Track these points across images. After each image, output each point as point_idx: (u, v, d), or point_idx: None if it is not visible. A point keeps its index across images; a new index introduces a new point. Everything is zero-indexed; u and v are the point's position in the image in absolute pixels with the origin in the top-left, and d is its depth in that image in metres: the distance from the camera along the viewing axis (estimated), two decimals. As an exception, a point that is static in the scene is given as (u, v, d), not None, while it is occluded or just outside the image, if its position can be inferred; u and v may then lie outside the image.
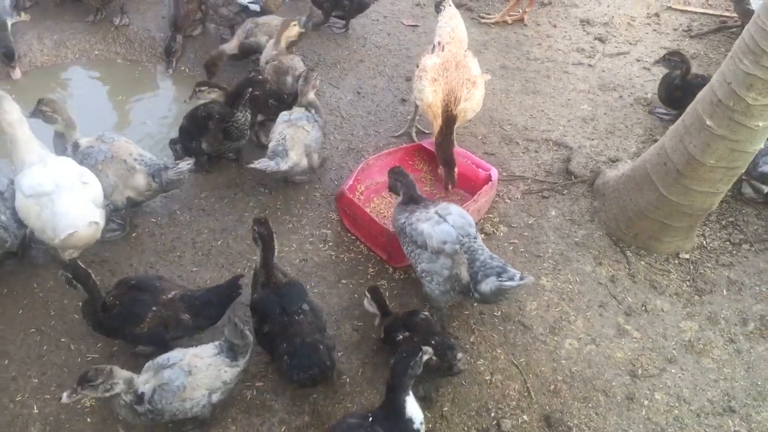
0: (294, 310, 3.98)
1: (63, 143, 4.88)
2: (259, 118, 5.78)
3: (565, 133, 6.03)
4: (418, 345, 3.62)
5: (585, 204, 5.34)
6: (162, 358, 3.71)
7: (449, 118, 5.12)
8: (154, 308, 4.00)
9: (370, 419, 3.49)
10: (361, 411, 3.74)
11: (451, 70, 5.21)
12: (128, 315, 3.99)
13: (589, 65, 6.91)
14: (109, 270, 4.72)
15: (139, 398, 3.59)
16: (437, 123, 5.19)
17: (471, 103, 5.24)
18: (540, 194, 5.44)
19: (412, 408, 3.52)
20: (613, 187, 5.16)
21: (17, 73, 6.46)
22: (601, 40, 7.30)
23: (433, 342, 3.85)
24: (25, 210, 4.40)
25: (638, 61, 7.02)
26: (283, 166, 5.05)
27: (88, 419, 3.90)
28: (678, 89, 5.97)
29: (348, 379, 4.18)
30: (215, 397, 3.72)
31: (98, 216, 4.37)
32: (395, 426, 3.49)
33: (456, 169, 5.12)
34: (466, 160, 5.31)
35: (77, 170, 4.52)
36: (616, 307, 4.65)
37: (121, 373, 3.58)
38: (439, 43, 5.44)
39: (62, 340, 4.28)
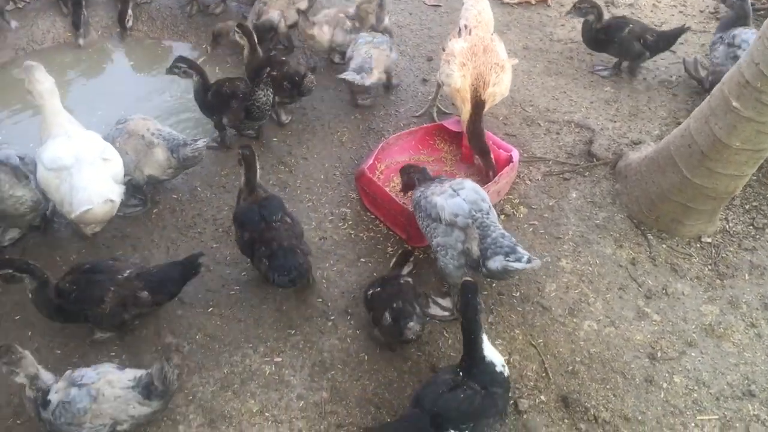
0: (272, 219, 4.26)
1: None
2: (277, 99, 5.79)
3: (587, 115, 5.98)
4: (386, 302, 3.99)
5: (606, 186, 5.30)
6: (78, 374, 3.53)
7: (478, 104, 5.09)
8: (112, 288, 3.93)
9: (461, 373, 3.54)
10: (448, 366, 3.72)
11: (479, 54, 5.16)
12: (87, 298, 3.91)
13: (613, 47, 6.82)
14: (131, 245, 4.76)
15: (45, 403, 3.44)
16: (465, 108, 5.15)
17: (500, 88, 5.21)
18: (561, 176, 5.40)
19: (490, 351, 3.59)
20: (635, 170, 5.10)
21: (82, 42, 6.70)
22: (625, 21, 7.20)
23: (394, 305, 4.00)
24: (46, 182, 4.45)
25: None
26: (367, 81, 5.56)
27: (110, 390, 3.94)
28: (600, 32, 6.30)
29: (366, 357, 4.20)
30: (119, 428, 3.50)
31: (115, 193, 4.39)
32: (480, 373, 3.53)
33: (492, 155, 5.09)
34: (487, 141, 5.27)
35: (100, 145, 4.55)
36: (636, 290, 4.62)
37: (29, 365, 3.45)
38: (465, 27, 5.38)
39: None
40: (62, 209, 4.44)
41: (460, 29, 5.43)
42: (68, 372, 3.59)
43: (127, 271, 4.03)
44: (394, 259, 4.48)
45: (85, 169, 4.32)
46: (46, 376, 3.53)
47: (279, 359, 4.16)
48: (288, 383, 4.05)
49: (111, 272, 4.01)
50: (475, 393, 3.46)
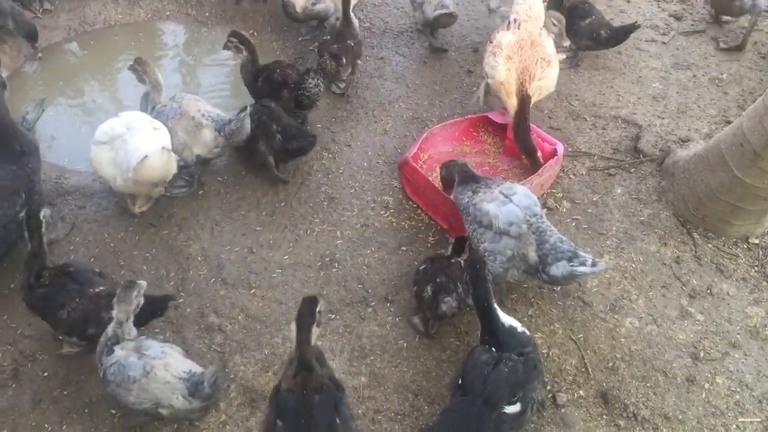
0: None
1: (146, 104, 5.02)
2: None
3: (634, 111, 5.90)
4: (431, 277, 4.07)
5: (652, 183, 5.23)
6: (147, 343, 3.60)
7: (524, 98, 5.06)
8: (77, 300, 3.83)
9: (492, 349, 3.56)
10: (477, 348, 3.67)
11: (526, 48, 5.13)
12: (50, 299, 3.84)
13: (663, 43, 6.72)
14: (176, 225, 4.84)
15: (109, 351, 3.54)
16: (511, 102, 5.13)
17: (546, 82, 5.18)
18: (606, 171, 5.34)
19: (505, 317, 3.67)
20: (683, 167, 5.03)
21: None
22: (676, 17, 7.08)
23: (437, 279, 4.06)
24: (98, 158, 4.56)
25: (714, 40, 6.78)
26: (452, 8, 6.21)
27: (154, 366, 4.02)
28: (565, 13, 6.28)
29: (405, 344, 4.22)
30: (161, 410, 3.51)
31: (169, 144, 4.48)
32: (507, 340, 3.60)
33: (539, 153, 5.06)
34: (531, 134, 5.24)
35: (148, 118, 4.66)
36: (679, 289, 4.56)
37: (124, 318, 3.54)
38: (515, 20, 5.34)
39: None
40: (115, 184, 4.56)
41: (509, 23, 5.39)
42: (143, 337, 3.69)
43: (100, 288, 3.90)
44: (450, 247, 4.47)
45: (138, 134, 4.45)
46: (131, 329, 3.61)
47: (319, 343, 4.18)
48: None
49: (85, 284, 3.89)
50: (515, 362, 3.50)
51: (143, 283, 3.59)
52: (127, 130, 4.47)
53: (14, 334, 4.14)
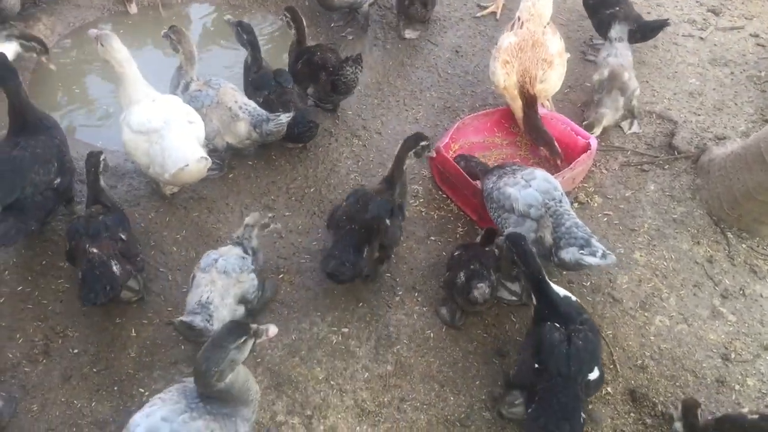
0: (287, 85, 5.17)
1: (179, 78, 5.03)
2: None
3: (669, 107, 5.81)
4: (464, 263, 4.09)
5: (686, 180, 5.15)
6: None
7: (529, 100, 5.01)
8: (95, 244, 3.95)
9: (557, 324, 3.59)
10: (545, 327, 3.61)
11: (527, 49, 5.07)
12: (74, 231, 4.03)
13: (700, 38, 6.59)
14: (206, 208, 4.86)
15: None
16: (517, 105, 5.10)
17: (547, 85, 5.13)
18: (639, 167, 5.27)
19: (558, 288, 3.75)
20: (719, 165, 4.95)
21: (134, 8, 6.69)
22: (714, 12, 6.94)
23: (471, 266, 4.06)
24: (133, 145, 4.55)
25: (753, 36, 6.64)
26: None
27: (182, 347, 4.06)
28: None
29: (432, 334, 4.21)
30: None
31: (206, 153, 4.47)
32: (567, 310, 3.65)
33: (556, 142, 5.00)
34: (565, 127, 5.18)
35: (184, 109, 4.64)
36: (712, 289, 4.50)
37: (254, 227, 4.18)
38: (519, 19, 5.26)
39: (161, 270, 4.45)
40: (149, 171, 4.55)
41: (513, 22, 5.32)
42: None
43: (118, 243, 4.04)
44: (479, 237, 4.47)
45: (174, 131, 4.43)
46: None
47: (346, 330, 4.20)
48: (354, 354, 4.09)
49: (105, 232, 4.03)
50: (584, 331, 3.57)
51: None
52: (164, 125, 4.45)
53: (45, 311, 4.19)
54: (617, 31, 5.61)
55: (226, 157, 5.08)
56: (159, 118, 4.49)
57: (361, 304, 4.34)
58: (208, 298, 3.82)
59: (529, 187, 4.15)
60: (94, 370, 3.93)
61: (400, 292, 4.41)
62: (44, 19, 6.47)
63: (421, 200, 5.01)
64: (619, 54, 5.49)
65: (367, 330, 4.21)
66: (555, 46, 5.14)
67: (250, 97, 5.08)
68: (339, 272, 4.05)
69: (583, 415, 3.42)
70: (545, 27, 5.18)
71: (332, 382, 3.94)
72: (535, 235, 4.07)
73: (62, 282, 4.33)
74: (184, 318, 3.72)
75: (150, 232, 4.67)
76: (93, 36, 4.59)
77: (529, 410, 3.53)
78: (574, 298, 3.79)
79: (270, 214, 4.35)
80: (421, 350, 4.13)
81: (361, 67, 5.31)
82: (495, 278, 4.09)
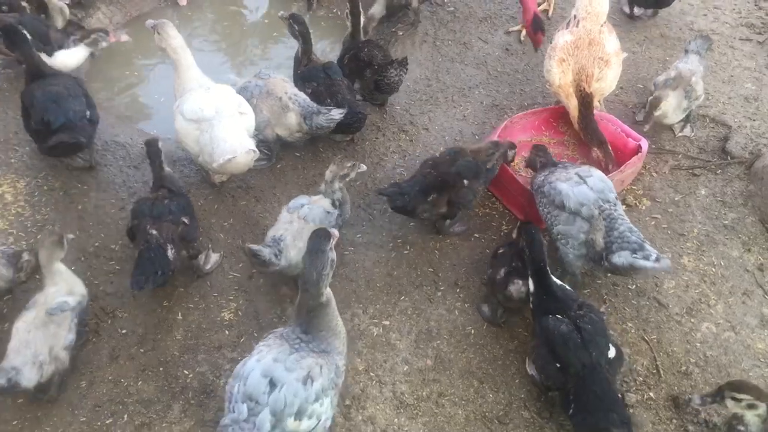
0: (336, 77, 5.22)
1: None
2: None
3: (723, 111, 5.68)
4: (508, 259, 4.13)
5: (739, 186, 5.04)
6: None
7: (585, 98, 4.96)
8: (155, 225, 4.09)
9: (558, 316, 3.67)
10: (551, 318, 3.71)
11: (583, 48, 5.02)
12: (138, 211, 4.20)
13: (758, 42, 6.43)
14: (254, 197, 4.93)
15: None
16: (572, 103, 5.05)
17: (603, 83, 5.06)
18: (690, 171, 5.18)
19: (554, 278, 3.87)
20: (774, 172, 4.83)
21: (183, 0, 6.80)
22: (774, 16, 6.77)
23: (513, 264, 4.09)
24: (184, 133, 4.64)
25: (814, 42, 6.46)
26: None
27: (226, 332, 4.13)
28: None
29: (472, 331, 4.21)
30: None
31: (254, 145, 4.54)
32: (564, 297, 3.76)
33: (609, 146, 4.94)
34: (616, 128, 5.11)
35: (236, 99, 4.71)
36: (761, 297, 4.40)
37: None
38: (575, 17, 5.19)
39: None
40: (198, 159, 4.65)
41: (569, 20, 5.26)
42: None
43: (180, 226, 4.19)
44: (515, 232, 4.45)
45: (225, 121, 4.50)
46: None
47: (387, 322, 4.23)
48: (394, 347, 4.11)
49: (167, 215, 4.18)
50: (587, 314, 3.67)
51: None
52: (215, 114, 4.53)
53: (96, 291, 4.30)
54: (696, 45, 5.51)
55: (275, 149, 5.15)
56: (211, 107, 4.57)
57: (402, 297, 4.36)
58: (282, 235, 4.09)
59: (582, 185, 4.09)
60: (141, 350, 4.03)
61: (442, 288, 4.42)
62: (103, 8, 6.64)
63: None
64: (690, 62, 5.37)
65: (408, 323, 4.23)
66: (612, 44, 5.09)
67: (299, 89, 5.13)
68: (393, 197, 4.38)
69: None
70: (602, 26, 5.12)
71: (372, 374, 3.97)
72: (586, 236, 4.03)
73: (113, 264, 4.45)
74: (253, 246, 3.95)
75: (199, 218, 4.75)
76: (150, 26, 4.69)
77: (570, 412, 3.52)
78: (569, 288, 3.90)
79: (348, 163, 4.42)
80: (461, 346, 4.13)
81: (406, 70, 5.34)
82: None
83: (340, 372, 3.31)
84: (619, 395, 3.49)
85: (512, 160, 4.76)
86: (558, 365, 3.58)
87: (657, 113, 5.07)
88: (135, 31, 6.55)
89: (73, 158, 5.01)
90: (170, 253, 4.02)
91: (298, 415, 3.05)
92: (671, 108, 5.14)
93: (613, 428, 3.39)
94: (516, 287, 4.01)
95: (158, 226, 4.09)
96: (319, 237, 3.20)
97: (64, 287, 3.89)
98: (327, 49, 6.53)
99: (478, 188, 4.55)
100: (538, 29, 5.62)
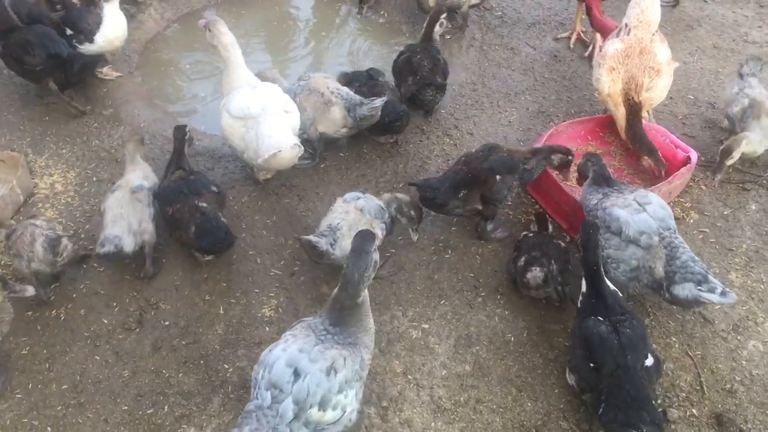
0: (378, 78, 5.35)
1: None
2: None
3: (776, 125, 5.55)
4: (530, 247, 4.23)
5: (791, 202, 4.93)
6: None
7: (633, 107, 4.90)
8: (180, 203, 4.32)
9: (601, 318, 3.65)
10: (592, 320, 3.70)
11: (633, 56, 4.96)
12: (163, 195, 4.45)
13: (815, 55, 6.29)
14: (297, 195, 4.96)
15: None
16: (620, 112, 4.99)
17: (654, 93, 4.99)
18: (740, 185, 5.07)
19: (608, 282, 3.81)
20: (828, 189, 4.70)
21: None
22: (832, 29, 6.61)
23: (533, 252, 4.18)
24: (230, 130, 4.69)
25: None
26: None
27: (267, 328, 4.17)
28: None
29: (512, 338, 4.17)
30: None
31: (299, 141, 4.57)
32: (614, 303, 3.71)
33: (660, 152, 4.87)
34: (664, 139, 5.03)
35: (282, 98, 4.75)
36: (811, 317, 4.29)
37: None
38: (626, 25, 5.14)
39: (250, 252, 4.58)
40: (244, 156, 4.69)
41: (620, 28, 5.19)
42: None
43: (203, 204, 4.35)
44: (533, 224, 4.61)
45: (270, 119, 4.53)
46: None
47: (426, 326, 4.22)
48: (432, 350, 4.10)
49: (193, 193, 4.38)
50: (629, 320, 3.63)
51: None
52: (261, 112, 4.57)
53: (141, 283, 4.37)
54: (751, 67, 5.38)
55: (318, 148, 5.18)
56: (257, 104, 4.61)
57: (443, 301, 4.34)
58: (338, 224, 4.15)
59: (643, 212, 3.98)
60: (183, 342, 4.08)
61: (482, 293, 4.40)
62: (155, 4, 6.76)
63: (509, 204, 4.96)
64: (754, 86, 5.23)
65: (447, 328, 4.21)
66: (663, 54, 5.01)
67: None
68: (423, 188, 4.42)
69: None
70: (653, 34, 5.05)
71: (410, 377, 3.96)
72: (638, 263, 3.95)
73: (157, 256, 4.51)
74: (310, 237, 4.03)
75: (242, 215, 4.82)
76: (202, 24, 4.76)
77: (600, 412, 3.50)
78: (620, 294, 3.82)
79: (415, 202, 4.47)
80: (500, 353, 4.10)
81: (443, 95, 5.35)
82: (555, 268, 4.12)
83: (365, 365, 3.34)
84: (653, 400, 3.47)
85: (565, 167, 4.66)
86: (592, 365, 3.57)
87: (737, 155, 4.88)
88: (184, 27, 6.67)
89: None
90: (223, 220, 4.36)
91: (322, 405, 3.09)
92: (757, 141, 4.95)
93: (643, 426, 3.35)
94: (533, 275, 4.12)
95: (205, 198, 4.37)
96: (364, 237, 3.21)
97: (140, 173, 4.60)
98: (372, 53, 6.55)
99: (513, 183, 4.51)
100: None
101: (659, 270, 3.88)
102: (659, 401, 3.85)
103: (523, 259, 4.21)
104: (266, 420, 3.05)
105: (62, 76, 5.34)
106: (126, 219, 4.28)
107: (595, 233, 3.80)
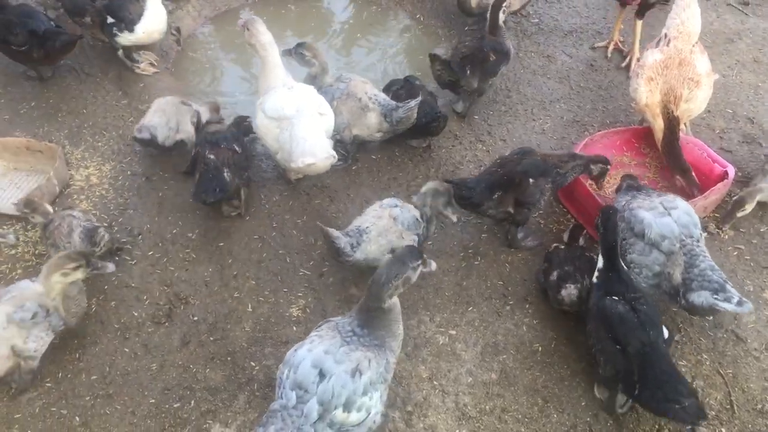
0: (415, 82, 5.38)
1: (311, 83, 5.11)
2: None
3: (815, 143, 5.45)
4: (561, 260, 4.23)
5: (830, 222, 4.83)
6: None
7: (671, 120, 4.83)
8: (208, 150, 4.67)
9: (621, 299, 3.71)
10: (608, 300, 3.76)
11: (672, 68, 4.90)
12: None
13: None
14: (328, 196, 4.97)
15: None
16: (657, 123, 4.92)
17: (693, 104, 4.93)
18: (778, 202, 4.98)
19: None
20: None
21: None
22: None
23: (566, 268, 4.18)
24: (265, 129, 4.71)
25: None
26: None
27: (294, 327, 4.18)
28: None
29: (540, 348, 4.14)
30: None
31: (332, 149, 4.57)
32: (626, 279, 3.82)
33: (693, 172, 4.81)
34: (702, 152, 4.97)
35: (317, 100, 4.75)
36: None
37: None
38: (665, 36, 5.09)
39: (280, 251, 4.60)
40: (278, 156, 4.71)
41: (659, 39, 5.13)
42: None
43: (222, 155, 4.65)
44: (566, 235, 4.57)
45: (305, 121, 4.54)
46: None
47: (453, 332, 4.20)
48: (459, 357, 4.08)
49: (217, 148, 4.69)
50: (642, 298, 3.73)
51: None
52: (296, 113, 4.57)
53: (171, 277, 4.41)
54: None
55: (351, 150, 5.18)
56: (292, 106, 4.62)
57: (471, 308, 4.32)
58: (367, 227, 4.13)
59: (667, 216, 3.96)
60: (211, 338, 4.11)
61: (511, 302, 4.37)
62: (193, 2, 6.81)
63: (540, 212, 4.93)
64: None
65: (474, 335, 4.19)
66: (703, 65, 4.94)
67: None
68: (459, 186, 4.38)
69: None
70: (693, 46, 4.98)
71: (435, 383, 3.95)
72: (660, 268, 3.92)
73: (189, 252, 4.56)
74: (332, 231, 4.04)
75: (273, 214, 4.84)
76: (241, 24, 4.78)
77: (636, 393, 3.55)
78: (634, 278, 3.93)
79: (446, 184, 4.40)
80: (527, 363, 4.07)
81: (444, 125, 5.27)
82: (587, 283, 4.08)
83: (390, 367, 3.34)
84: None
85: (601, 176, 4.65)
86: (618, 347, 3.61)
87: (741, 214, 4.74)
88: (221, 25, 6.73)
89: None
90: (226, 174, 4.53)
91: (347, 406, 3.11)
92: None
93: (683, 399, 3.43)
94: (567, 292, 4.09)
95: (215, 151, 4.63)
96: (411, 252, 3.30)
97: (202, 108, 5.20)
98: (407, 56, 6.55)
99: (545, 187, 4.49)
100: None
101: (677, 277, 3.85)
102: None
103: (555, 273, 4.19)
104: (291, 420, 3.07)
105: (41, 51, 5.46)
106: (167, 115, 4.91)
107: (614, 215, 3.87)
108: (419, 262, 3.27)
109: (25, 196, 4.55)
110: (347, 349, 3.19)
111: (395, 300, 3.28)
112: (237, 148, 4.72)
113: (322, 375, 3.10)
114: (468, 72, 5.33)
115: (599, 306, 3.74)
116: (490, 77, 5.46)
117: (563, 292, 4.10)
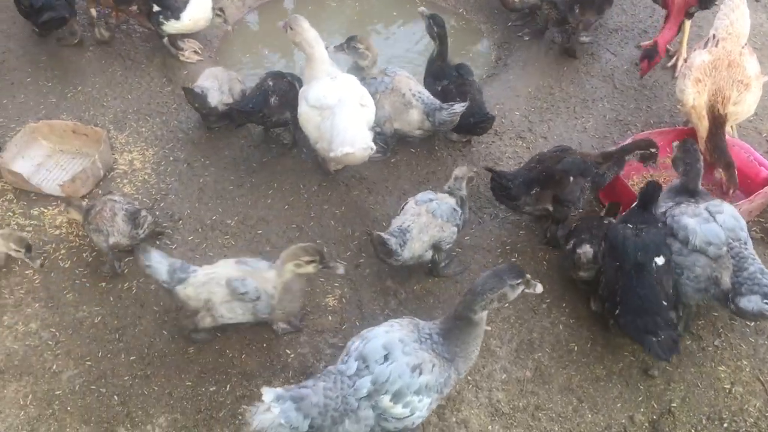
0: (468, 77, 5.27)
1: (358, 75, 5.10)
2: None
3: None
4: (580, 230, 4.32)
5: None
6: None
7: (717, 120, 4.74)
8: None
9: (630, 226, 3.97)
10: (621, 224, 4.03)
11: (721, 69, 4.80)
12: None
13: None
14: (366, 188, 4.99)
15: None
16: (703, 125, 4.83)
17: (742, 107, 4.82)
18: (826, 207, 4.87)
19: None
20: None
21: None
22: None
23: (582, 235, 4.23)
24: (306, 117, 4.74)
25: None
26: None
27: (330, 317, 4.21)
28: None
29: (575, 347, 4.11)
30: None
31: (371, 140, 4.57)
32: (651, 218, 4.03)
33: (736, 170, 4.72)
34: (748, 156, 4.88)
35: (359, 91, 4.75)
36: None
37: None
38: (713, 37, 4.99)
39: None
40: (317, 145, 4.74)
41: (707, 39, 5.03)
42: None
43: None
44: (604, 210, 4.65)
45: (346, 111, 4.55)
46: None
47: (488, 328, 4.17)
48: (493, 353, 4.07)
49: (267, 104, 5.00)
50: (650, 228, 3.93)
51: None
52: (338, 102, 4.58)
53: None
54: None
55: (390, 143, 5.18)
56: (334, 95, 4.63)
57: (506, 305, 4.29)
58: (408, 226, 4.15)
59: (712, 221, 3.89)
60: (247, 324, 4.14)
61: (547, 300, 4.34)
62: (236, -10, 6.86)
63: (580, 211, 4.87)
64: None
65: (510, 332, 4.17)
66: (753, 67, 4.85)
67: (428, 87, 5.15)
68: (498, 180, 4.39)
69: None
70: (742, 47, 4.89)
71: (469, 378, 3.94)
72: (702, 270, 3.85)
73: (228, 238, 4.61)
74: (383, 234, 4.07)
75: (311, 204, 4.86)
76: (281, 26, 4.80)
77: (617, 313, 3.82)
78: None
79: (474, 169, 4.54)
80: (563, 361, 4.04)
81: (491, 126, 5.22)
82: (603, 249, 4.11)
83: (450, 383, 3.35)
84: (666, 301, 3.78)
85: (652, 160, 4.63)
86: (617, 264, 3.88)
87: None
88: (265, 15, 6.76)
89: (64, 34, 5.97)
90: (273, 100, 4.97)
91: (395, 397, 3.15)
92: None
93: (659, 331, 3.67)
94: (583, 250, 4.11)
95: (275, 81, 5.10)
96: (511, 269, 3.32)
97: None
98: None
99: (585, 186, 4.46)
100: (645, 57, 5.47)
101: (726, 281, 3.77)
102: (725, 425, 3.75)
103: (573, 242, 4.25)
104: (342, 386, 3.16)
105: (34, 22, 5.75)
106: (219, 81, 5.18)
107: (658, 190, 4.07)
108: (519, 280, 3.27)
109: (70, 177, 4.66)
110: (418, 346, 3.25)
111: (484, 317, 3.32)
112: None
113: (386, 358, 3.17)
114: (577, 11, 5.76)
115: (611, 228, 4.04)
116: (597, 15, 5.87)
117: (578, 251, 4.11)
